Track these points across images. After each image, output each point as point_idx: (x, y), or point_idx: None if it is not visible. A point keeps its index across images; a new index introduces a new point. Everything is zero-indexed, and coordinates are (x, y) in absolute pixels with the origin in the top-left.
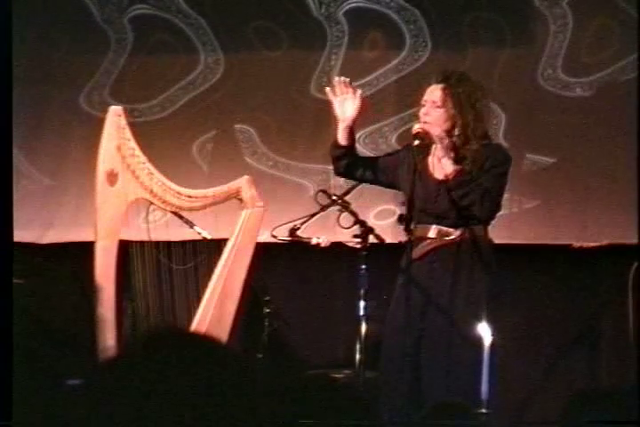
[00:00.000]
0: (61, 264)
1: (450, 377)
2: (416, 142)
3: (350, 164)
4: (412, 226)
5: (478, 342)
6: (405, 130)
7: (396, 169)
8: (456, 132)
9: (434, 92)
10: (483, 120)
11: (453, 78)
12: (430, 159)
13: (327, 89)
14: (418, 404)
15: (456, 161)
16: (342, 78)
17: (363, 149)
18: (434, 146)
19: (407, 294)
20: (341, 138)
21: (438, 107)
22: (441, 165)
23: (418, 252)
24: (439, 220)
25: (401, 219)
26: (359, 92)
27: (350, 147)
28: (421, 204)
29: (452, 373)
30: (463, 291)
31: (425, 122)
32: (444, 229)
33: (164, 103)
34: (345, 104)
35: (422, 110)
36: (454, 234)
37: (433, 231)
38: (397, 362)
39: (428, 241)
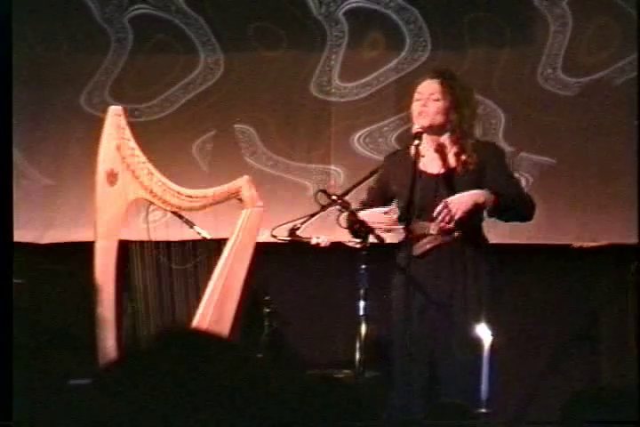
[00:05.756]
0: (61, 264)
1: (449, 377)
2: (416, 142)
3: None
4: (411, 224)
5: (478, 341)
6: (405, 130)
7: (388, 183)
8: (452, 124)
9: (430, 86)
10: (475, 118)
11: (446, 74)
12: (422, 159)
13: None
14: (418, 404)
15: (456, 158)
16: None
17: (363, 150)
18: (424, 144)
19: (407, 293)
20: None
21: (436, 100)
22: (438, 163)
23: (417, 250)
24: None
25: (401, 218)
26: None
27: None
28: (421, 202)
29: (451, 372)
30: (463, 290)
31: (421, 114)
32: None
33: (164, 103)
34: None
35: (417, 104)
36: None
37: (433, 229)
38: (397, 362)
39: (428, 239)
